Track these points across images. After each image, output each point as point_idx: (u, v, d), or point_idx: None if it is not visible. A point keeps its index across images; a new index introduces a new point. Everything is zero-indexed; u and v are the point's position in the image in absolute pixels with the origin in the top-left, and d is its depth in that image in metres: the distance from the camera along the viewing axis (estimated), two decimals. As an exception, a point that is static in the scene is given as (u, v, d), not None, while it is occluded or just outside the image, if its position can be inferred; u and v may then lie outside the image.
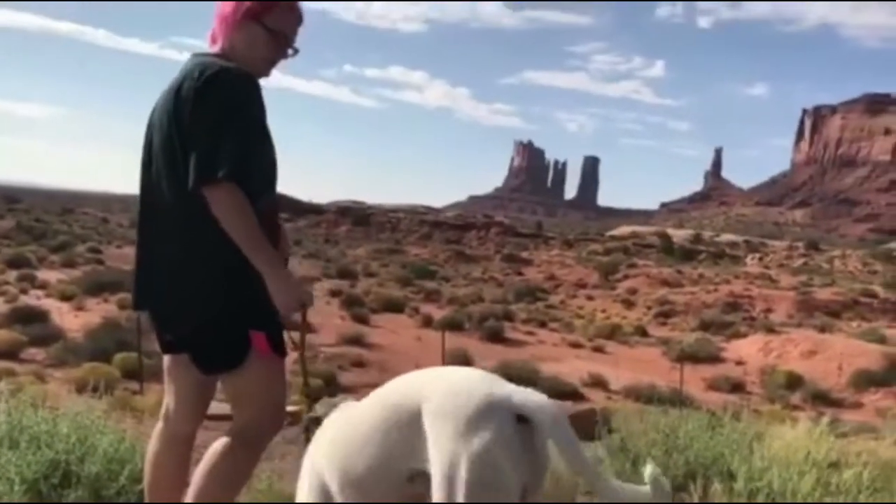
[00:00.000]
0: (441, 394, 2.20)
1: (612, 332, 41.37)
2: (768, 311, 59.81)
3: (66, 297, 30.43)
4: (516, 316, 43.04)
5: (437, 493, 2.13)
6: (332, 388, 17.96)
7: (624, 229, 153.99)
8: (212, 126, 2.52)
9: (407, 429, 2.23)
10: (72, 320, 25.22)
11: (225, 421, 2.90)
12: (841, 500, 3.68)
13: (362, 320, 33.26)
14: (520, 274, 79.93)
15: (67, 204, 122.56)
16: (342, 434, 2.50)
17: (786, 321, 53.62)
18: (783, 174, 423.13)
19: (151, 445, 2.86)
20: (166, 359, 2.84)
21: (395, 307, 38.87)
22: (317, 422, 2.76)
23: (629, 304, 62.11)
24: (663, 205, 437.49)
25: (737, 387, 30.16)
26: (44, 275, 36.73)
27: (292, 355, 2.78)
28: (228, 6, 2.73)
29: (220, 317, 2.61)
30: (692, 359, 32.79)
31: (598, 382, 26.21)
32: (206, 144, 2.51)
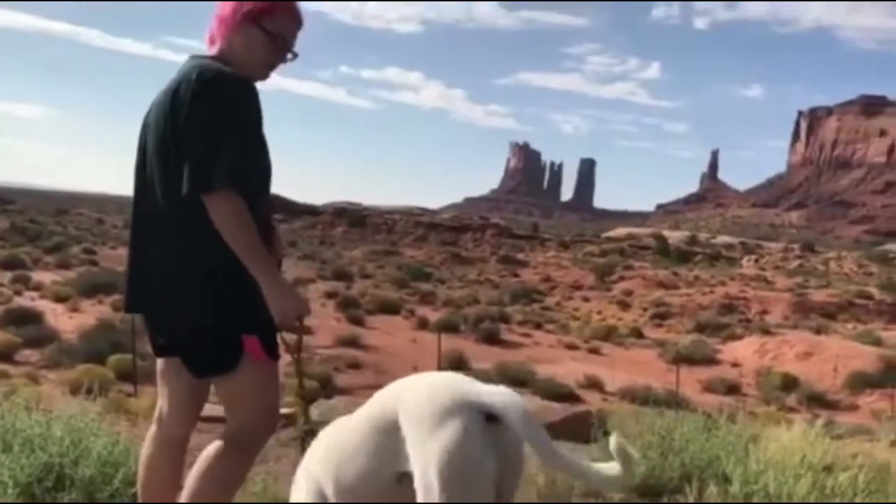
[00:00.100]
0: (414, 398, 2.33)
1: (608, 334, 41.43)
2: (764, 312, 59.93)
3: (60, 299, 30.40)
4: (512, 318, 43.09)
5: (417, 490, 2.23)
6: (328, 390, 17.95)
7: (620, 231, 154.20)
8: (208, 130, 2.50)
9: (389, 434, 2.34)
10: (66, 322, 25.18)
11: (219, 423, 2.89)
12: (837, 503, 3.67)
13: (358, 322, 33.26)
14: (516, 276, 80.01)
15: (62, 205, 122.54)
16: (335, 443, 2.59)
17: (781, 323, 53.75)
18: (779, 176, 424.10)
19: (145, 448, 2.85)
20: (159, 362, 2.83)
21: (390, 309, 38.88)
22: (312, 433, 2.79)
23: (625, 306, 62.19)
24: (659, 206, 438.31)
25: (732, 388, 30.24)
26: (38, 276, 36.69)
27: (287, 357, 2.77)
28: (228, 7, 2.70)
29: (213, 321, 2.59)
30: (688, 360, 32.81)
31: (594, 384, 26.24)
32: (203, 150, 2.49)
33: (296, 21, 2.74)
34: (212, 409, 3.45)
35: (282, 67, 2.79)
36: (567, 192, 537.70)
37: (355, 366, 25.03)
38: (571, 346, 36.38)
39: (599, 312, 58.41)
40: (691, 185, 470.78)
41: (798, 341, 39.13)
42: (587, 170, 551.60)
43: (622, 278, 76.22)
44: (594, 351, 35.90)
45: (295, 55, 2.76)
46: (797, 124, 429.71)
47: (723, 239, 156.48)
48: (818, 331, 48.65)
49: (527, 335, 38.20)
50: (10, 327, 22.40)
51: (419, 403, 2.29)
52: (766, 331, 45.01)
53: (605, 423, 5.22)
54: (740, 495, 3.75)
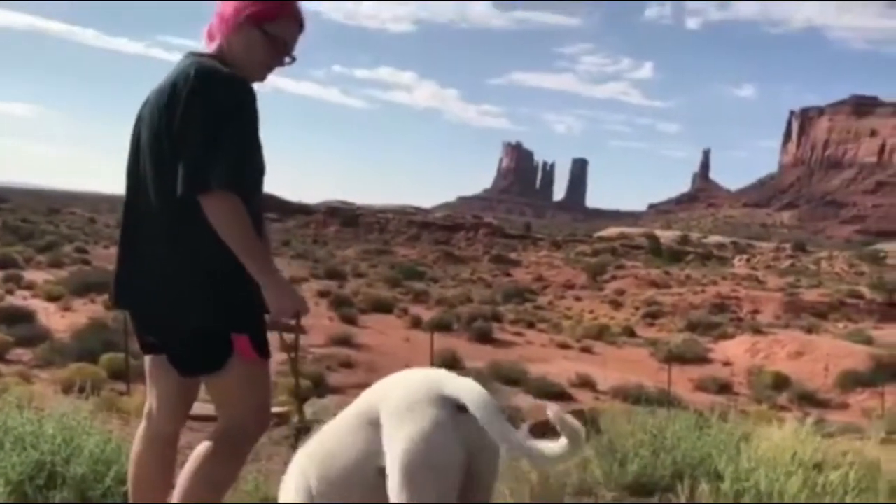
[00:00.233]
0: (392, 394, 2.47)
1: (600, 333, 41.49)
2: (755, 312, 60.07)
3: (52, 298, 30.33)
4: (505, 317, 43.13)
5: (388, 479, 2.36)
6: (321, 389, 17.95)
7: (612, 230, 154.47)
8: (206, 129, 2.49)
9: (372, 430, 2.47)
10: (58, 321, 25.13)
11: (210, 422, 2.89)
12: (827, 501, 3.69)
13: (351, 321, 33.27)
14: (508, 275, 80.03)
15: (54, 204, 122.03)
16: (325, 439, 2.66)
17: (773, 322, 53.88)
18: (770, 176, 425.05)
19: (135, 446, 2.84)
20: (147, 359, 2.81)
21: (383, 308, 38.91)
22: (305, 430, 2.87)
23: (617, 305, 62.26)
24: (651, 206, 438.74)
25: (724, 387, 30.34)
26: (30, 275, 36.57)
27: (280, 356, 2.77)
28: (230, 7, 2.68)
29: (207, 322, 2.58)
30: (680, 359, 32.92)
31: (586, 383, 26.31)
32: (199, 148, 2.47)
33: (298, 26, 2.73)
34: (203, 408, 3.45)
35: (277, 69, 2.79)
36: (559, 192, 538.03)
37: (348, 365, 25.04)
38: (563, 345, 36.46)
39: (591, 311, 58.47)
40: (683, 185, 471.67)
41: (789, 340, 39.27)
42: (579, 169, 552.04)
43: (614, 278, 76.32)
44: (586, 350, 35.97)
45: (293, 59, 2.76)
46: (789, 124, 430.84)
47: (714, 239, 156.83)
48: (809, 330, 48.83)
49: (519, 334, 38.26)
50: (1, 326, 22.33)
51: (397, 398, 2.42)
52: (757, 330, 45.14)
53: (597, 422, 5.23)
54: (731, 493, 3.76)
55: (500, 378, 23.71)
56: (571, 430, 2.32)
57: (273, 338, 2.69)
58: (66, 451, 3.41)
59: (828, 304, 62.35)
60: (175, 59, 2.74)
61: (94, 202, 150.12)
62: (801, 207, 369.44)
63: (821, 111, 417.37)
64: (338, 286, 47.25)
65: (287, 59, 2.75)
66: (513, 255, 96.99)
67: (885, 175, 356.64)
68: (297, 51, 2.77)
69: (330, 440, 2.62)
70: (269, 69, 2.75)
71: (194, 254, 2.56)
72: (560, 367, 28.20)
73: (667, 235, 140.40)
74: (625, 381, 25.39)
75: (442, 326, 33.24)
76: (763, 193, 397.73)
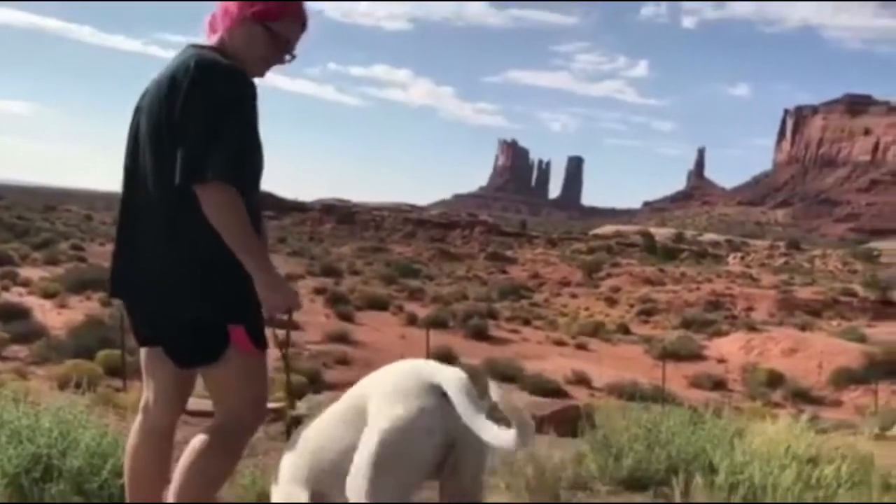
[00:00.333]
0: (382, 380, 2.53)
1: (596, 330, 41.54)
2: (750, 309, 60.16)
3: (48, 295, 30.22)
4: (500, 314, 43.12)
5: (357, 451, 2.41)
6: (317, 386, 17.94)
7: (607, 228, 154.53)
8: (206, 119, 2.48)
9: (361, 421, 2.49)
10: (54, 317, 25.07)
11: (207, 418, 2.89)
12: (821, 494, 3.71)
13: (347, 318, 33.26)
14: (504, 272, 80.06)
15: (50, 201, 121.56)
16: (317, 429, 2.68)
17: (767, 320, 53.98)
18: (765, 174, 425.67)
19: (131, 439, 2.84)
20: (143, 352, 2.81)
21: (379, 305, 38.90)
22: (298, 421, 2.86)
23: (612, 303, 62.33)
24: (646, 204, 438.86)
25: (718, 384, 30.39)
26: (26, 272, 36.47)
27: (274, 352, 2.77)
28: (234, 5, 2.68)
29: (203, 313, 2.58)
30: (674, 356, 32.94)
31: (582, 380, 26.34)
32: (198, 139, 2.47)
33: (301, 25, 2.74)
34: (200, 403, 3.45)
35: (275, 66, 2.79)
36: (555, 190, 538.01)
37: (344, 361, 25.02)
38: (559, 342, 36.49)
39: (587, 309, 58.50)
40: (678, 183, 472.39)
41: (783, 338, 39.33)
42: (575, 167, 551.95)
43: (609, 275, 76.38)
44: (582, 347, 36.01)
45: (293, 57, 2.76)
46: (783, 123, 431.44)
47: (709, 236, 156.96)
48: (803, 327, 48.92)
49: (515, 331, 38.27)
50: (-3, 323, 22.27)
51: (386, 384, 2.49)
52: (751, 327, 45.24)
53: (592, 418, 5.25)
54: (726, 486, 3.78)
55: (496, 375, 23.69)
56: (521, 420, 2.33)
57: (268, 333, 2.70)
58: (63, 445, 3.41)
59: (821, 302, 62.45)
60: (172, 56, 2.72)
61: (90, 199, 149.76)
62: (796, 205, 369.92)
63: (815, 110, 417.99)
64: (334, 283, 47.20)
65: (287, 58, 2.76)
66: (508, 253, 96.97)
67: (879, 173, 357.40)
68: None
69: (323, 428, 2.64)
70: (269, 65, 2.75)
71: (192, 244, 2.56)
72: (555, 364, 28.22)
73: (662, 233, 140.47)
74: (620, 378, 25.44)
75: (438, 323, 33.24)
76: (757, 192, 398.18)
